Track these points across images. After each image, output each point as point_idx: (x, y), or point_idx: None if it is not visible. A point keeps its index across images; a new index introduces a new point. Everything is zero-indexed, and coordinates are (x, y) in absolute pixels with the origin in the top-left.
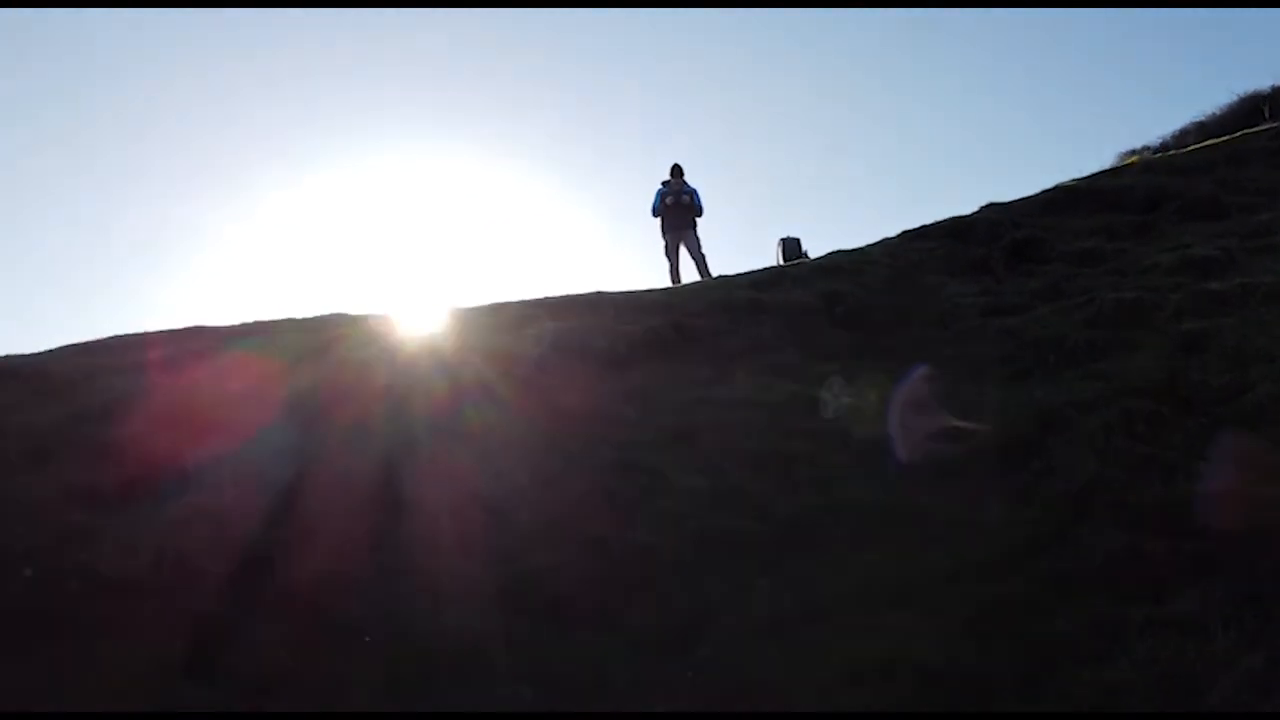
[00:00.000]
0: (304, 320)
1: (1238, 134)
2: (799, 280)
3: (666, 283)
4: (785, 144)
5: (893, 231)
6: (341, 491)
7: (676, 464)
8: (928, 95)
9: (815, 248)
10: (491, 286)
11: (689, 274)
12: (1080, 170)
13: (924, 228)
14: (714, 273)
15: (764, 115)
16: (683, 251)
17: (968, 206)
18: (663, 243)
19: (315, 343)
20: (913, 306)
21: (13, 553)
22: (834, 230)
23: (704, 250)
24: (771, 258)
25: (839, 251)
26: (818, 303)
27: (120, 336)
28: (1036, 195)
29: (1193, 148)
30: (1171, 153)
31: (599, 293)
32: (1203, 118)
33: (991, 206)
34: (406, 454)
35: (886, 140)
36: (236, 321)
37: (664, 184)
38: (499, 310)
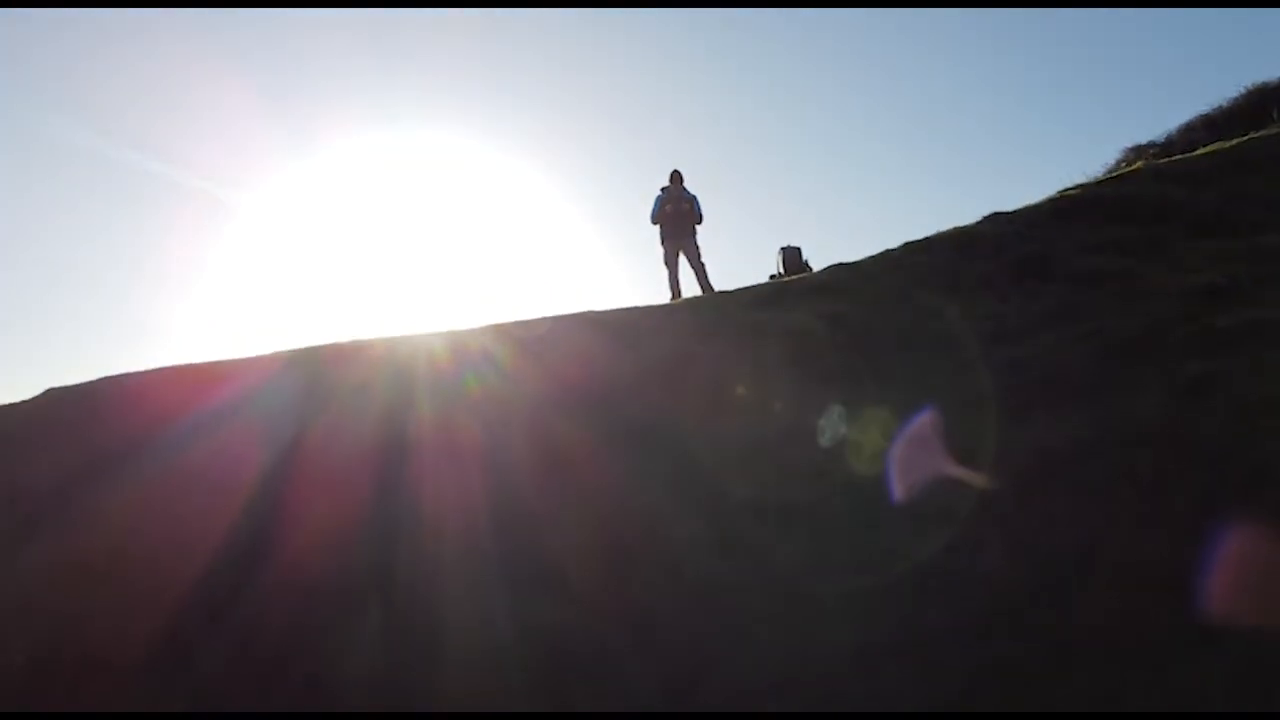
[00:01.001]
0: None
1: (1245, 138)
2: (800, 299)
3: (665, 293)
4: (785, 146)
5: (897, 230)
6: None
7: (675, 511)
8: (933, 90)
9: (816, 251)
10: (482, 298)
11: (688, 282)
12: (1086, 166)
13: (927, 239)
14: (713, 282)
15: (763, 117)
16: (682, 260)
17: (973, 200)
18: (661, 250)
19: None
20: (915, 329)
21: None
22: (836, 230)
23: (704, 259)
24: (771, 265)
25: (840, 265)
26: (819, 325)
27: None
28: (1042, 203)
29: (1200, 152)
30: (1177, 158)
31: (591, 313)
32: (1210, 110)
33: (996, 216)
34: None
35: (892, 133)
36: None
37: (663, 190)
38: (482, 337)
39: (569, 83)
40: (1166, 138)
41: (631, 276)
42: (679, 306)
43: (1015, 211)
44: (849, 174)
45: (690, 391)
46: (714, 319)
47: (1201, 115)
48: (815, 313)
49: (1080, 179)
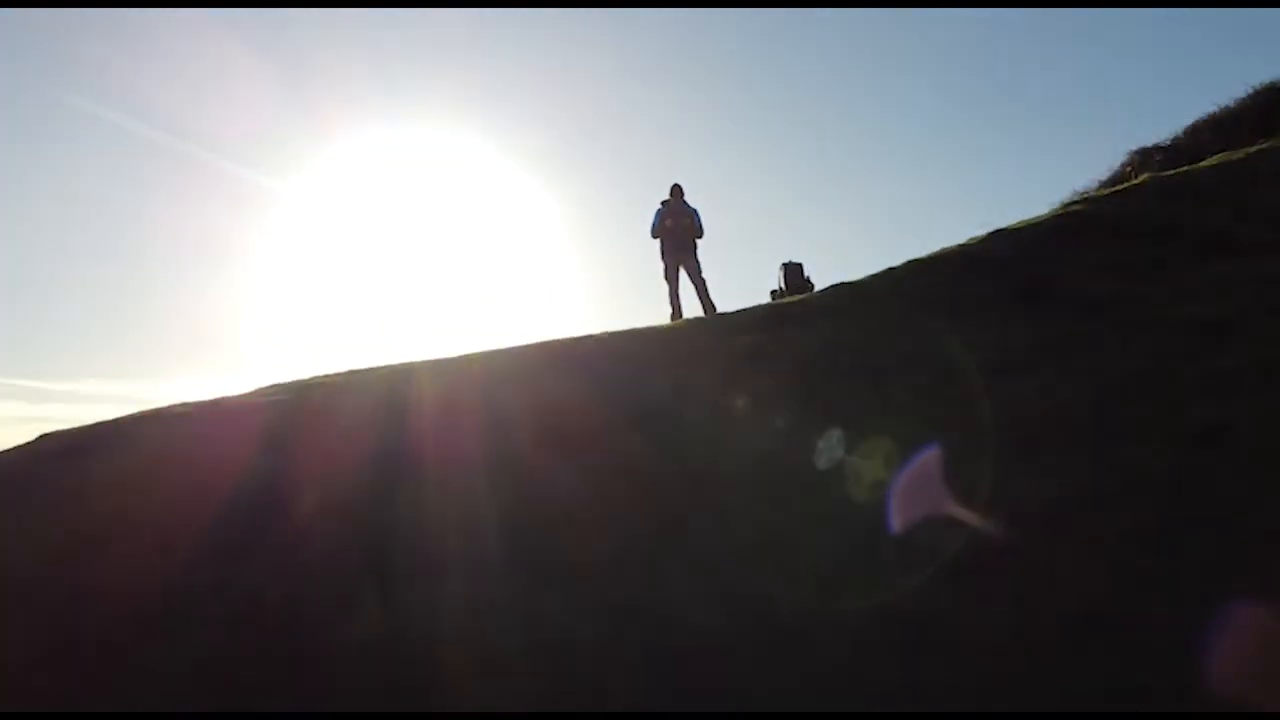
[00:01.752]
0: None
1: (1255, 149)
2: (802, 323)
3: (666, 308)
4: (786, 157)
5: (901, 235)
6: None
7: (671, 561)
8: (936, 91)
9: (819, 266)
10: (476, 319)
11: (688, 296)
12: (1091, 168)
13: (932, 258)
14: (713, 297)
15: (763, 126)
16: (683, 275)
17: (978, 202)
18: (661, 265)
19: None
20: (917, 357)
21: None
22: (839, 235)
23: (704, 275)
24: (772, 280)
25: (843, 284)
26: (820, 351)
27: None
28: (1046, 220)
29: (1207, 163)
30: (1184, 170)
31: (589, 338)
32: (1217, 110)
33: (1000, 234)
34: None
35: (895, 134)
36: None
37: (663, 204)
38: (471, 366)
39: (574, 90)
40: (1173, 140)
41: (637, 292)
42: (678, 330)
43: (1019, 229)
44: (852, 172)
45: (688, 427)
46: (714, 345)
47: (1209, 115)
48: (818, 338)
49: (1086, 183)
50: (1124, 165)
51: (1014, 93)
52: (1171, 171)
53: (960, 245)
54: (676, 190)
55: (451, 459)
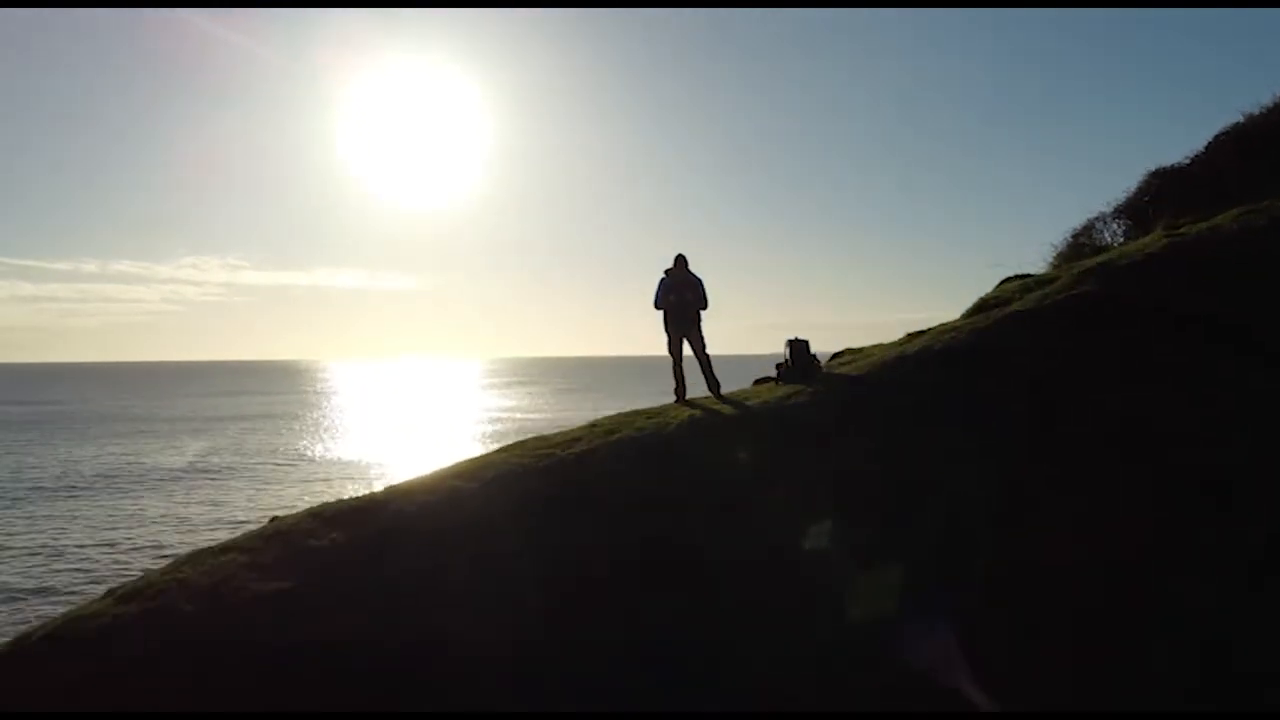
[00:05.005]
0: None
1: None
2: (806, 443)
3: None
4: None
5: (913, 251)
6: None
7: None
8: (955, 103)
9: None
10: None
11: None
12: (1108, 189)
13: (939, 351)
14: (718, 375)
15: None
16: (686, 348)
17: (993, 227)
18: (665, 338)
19: None
20: (917, 485)
21: None
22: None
23: (709, 351)
24: (778, 353)
25: (845, 361)
26: (820, 472)
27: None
28: (1064, 299)
29: (1227, 219)
30: (1216, 224)
31: (591, 459)
32: (1242, 119)
33: (1013, 280)
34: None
35: (906, 152)
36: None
37: (666, 273)
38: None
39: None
40: (1193, 158)
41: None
42: (682, 431)
43: (1031, 312)
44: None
45: (680, 585)
46: (716, 462)
47: (1231, 127)
48: (817, 462)
49: (1102, 205)
50: (1138, 191)
51: (1033, 111)
52: (1188, 228)
53: (972, 323)
54: (680, 261)
55: None
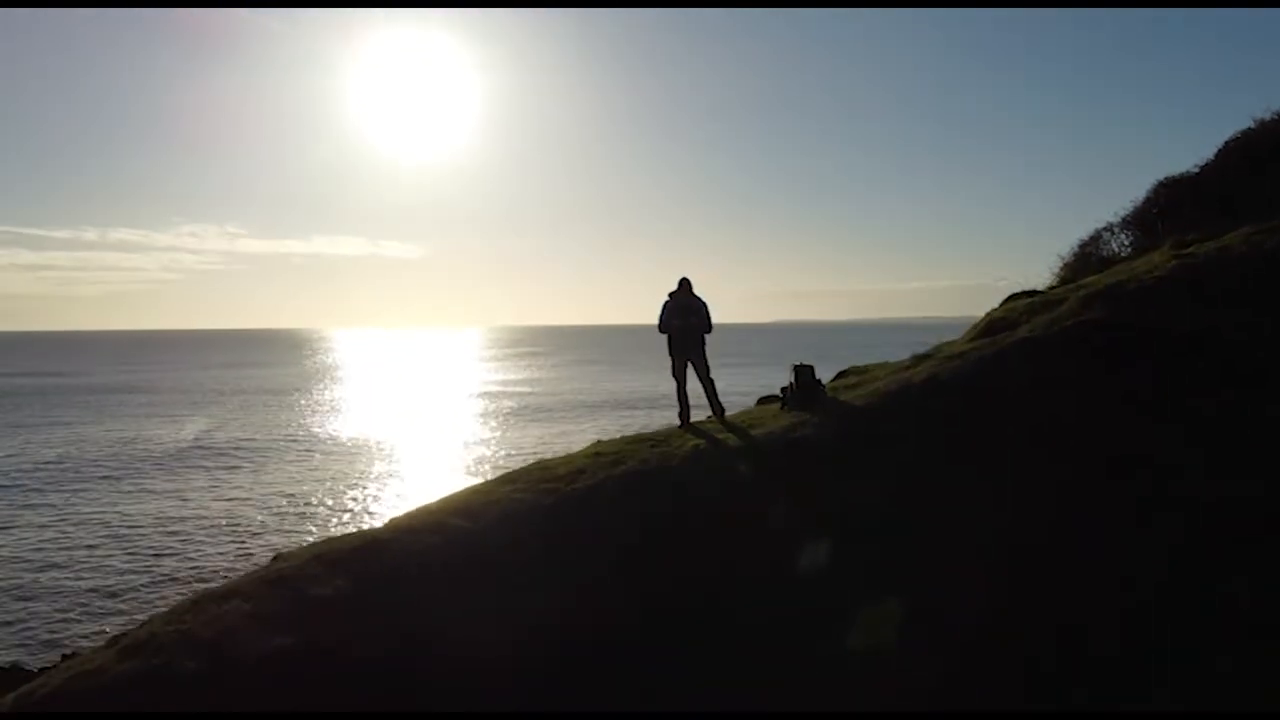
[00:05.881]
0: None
1: None
2: (808, 475)
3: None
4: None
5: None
6: None
7: None
8: (964, 114)
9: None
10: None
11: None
12: (1116, 198)
13: (945, 381)
14: (723, 401)
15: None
16: (690, 371)
17: (1001, 237)
18: (670, 362)
19: None
20: (926, 523)
21: None
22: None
23: (713, 375)
24: (784, 378)
25: (849, 384)
26: (828, 511)
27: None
28: (1071, 326)
29: (1236, 239)
30: (1214, 253)
31: (599, 494)
32: (1252, 125)
33: (1020, 297)
34: None
35: (911, 158)
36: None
37: (670, 296)
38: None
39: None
40: (1202, 168)
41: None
42: (683, 471)
43: (1036, 340)
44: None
45: (670, 663)
46: (717, 495)
47: (1239, 134)
48: (813, 510)
49: (1108, 215)
50: (1146, 202)
51: (1040, 123)
52: (1197, 247)
53: (978, 350)
54: (685, 284)
55: None
